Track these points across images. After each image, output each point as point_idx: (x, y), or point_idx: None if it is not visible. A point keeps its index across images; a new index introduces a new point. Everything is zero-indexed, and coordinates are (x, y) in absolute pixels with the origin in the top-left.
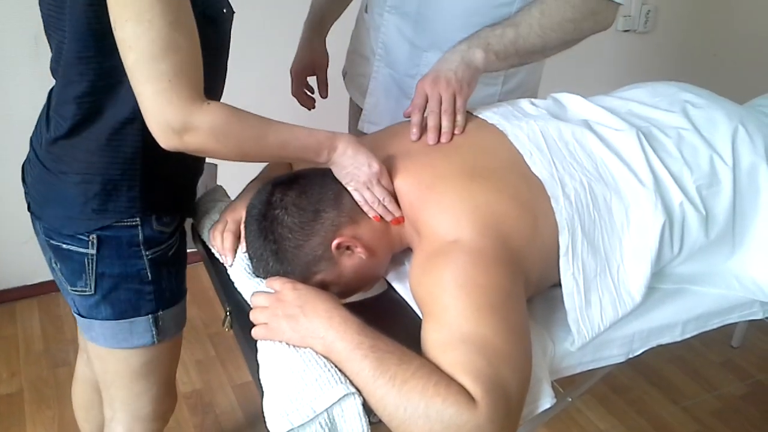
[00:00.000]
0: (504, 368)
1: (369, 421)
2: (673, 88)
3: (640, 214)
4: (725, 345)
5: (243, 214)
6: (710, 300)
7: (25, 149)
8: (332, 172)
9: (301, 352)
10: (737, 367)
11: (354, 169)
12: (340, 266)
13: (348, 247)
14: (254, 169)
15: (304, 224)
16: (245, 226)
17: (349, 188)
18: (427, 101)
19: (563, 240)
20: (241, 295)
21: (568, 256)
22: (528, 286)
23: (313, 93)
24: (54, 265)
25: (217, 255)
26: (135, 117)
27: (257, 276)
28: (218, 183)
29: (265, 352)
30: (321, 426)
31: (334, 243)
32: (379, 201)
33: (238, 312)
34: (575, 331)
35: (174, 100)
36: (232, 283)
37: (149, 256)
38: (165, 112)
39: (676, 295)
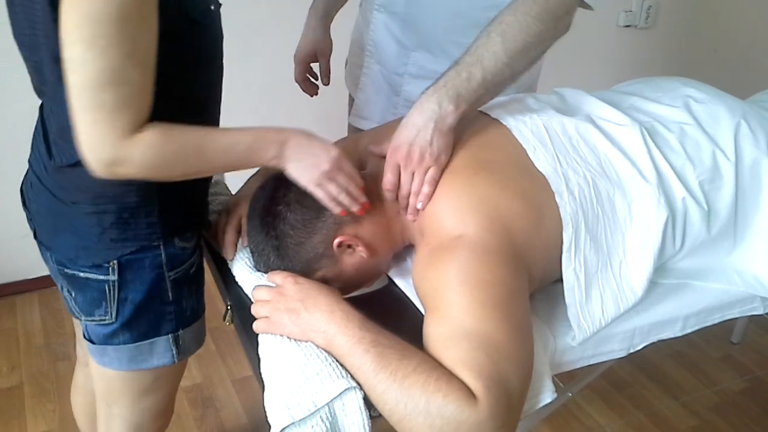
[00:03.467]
0: (506, 365)
1: (370, 415)
2: (676, 83)
3: (643, 209)
4: (725, 341)
5: (244, 208)
6: (711, 295)
7: (23, 146)
8: None
9: (302, 346)
10: (737, 362)
11: (313, 159)
12: (341, 264)
13: (349, 246)
14: None
15: (307, 222)
16: (248, 221)
17: (310, 188)
18: (399, 174)
19: (567, 236)
20: (242, 289)
21: (570, 252)
22: (531, 282)
23: (317, 80)
24: (68, 294)
25: (218, 249)
26: None
27: (258, 270)
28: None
29: (266, 345)
30: (322, 420)
31: (336, 241)
32: (345, 191)
33: (239, 306)
34: (576, 326)
35: (108, 134)
36: (233, 277)
37: (172, 277)
38: (97, 144)
39: (678, 291)
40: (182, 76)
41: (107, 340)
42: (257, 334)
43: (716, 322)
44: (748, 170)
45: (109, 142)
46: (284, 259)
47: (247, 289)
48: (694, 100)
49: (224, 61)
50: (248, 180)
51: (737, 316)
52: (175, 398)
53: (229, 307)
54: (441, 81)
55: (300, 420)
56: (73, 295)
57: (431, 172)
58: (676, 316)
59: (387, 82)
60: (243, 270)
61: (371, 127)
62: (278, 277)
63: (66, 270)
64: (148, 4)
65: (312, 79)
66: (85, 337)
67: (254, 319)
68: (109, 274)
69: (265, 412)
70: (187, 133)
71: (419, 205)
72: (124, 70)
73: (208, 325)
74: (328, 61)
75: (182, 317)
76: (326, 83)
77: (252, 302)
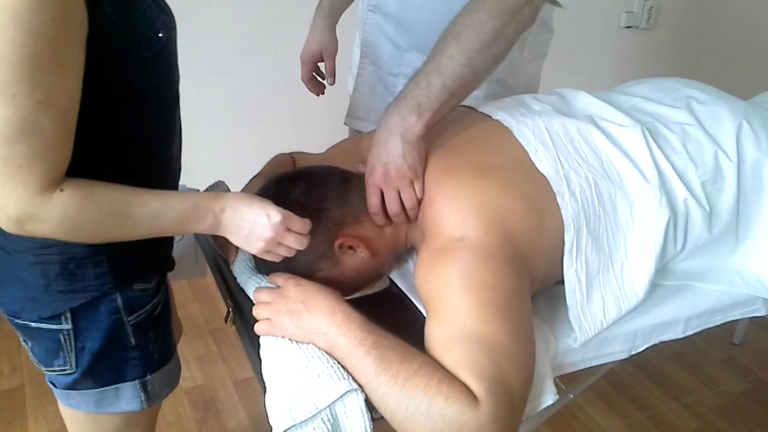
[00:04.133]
0: (507, 367)
1: (371, 417)
2: (677, 83)
3: (645, 210)
4: (727, 342)
5: None
6: (713, 297)
7: None
8: (338, 170)
9: (303, 348)
10: (738, 364)
11: (252, 226)
12: (343, 265)
13: (350, 247)
14: (257, 165)
15: None
16: None
17: (260, 256)
18: (383, 196)
19: (568, 237)
20: (243, 291)
21: (572, 253)
22: (533, 284)
23: (324, 79)
24: (25, 343)
25: (220, 251)
26: None
27: (260, 272)
28: (220, 179)
29: (267, 347)
30: (323, 422)
31: (337, 243)
32: (296, 250)
33: (241, 308)
34: (577, 327)
35: (19, 190)
36: (235, 279)
37: (132, 322)
38: (7, 199)
39: (679, 292)
40: (122, 114)
41: (71, 385)
42: (259, 336)
43: (718, 323)
44: (750, 171)
45: (20, 198)
46: (285, 260)
47: (249, 290)
48: (695, 101)
49: (221, 67)
50: (249, 182)
51: (739, 317)
52: (154, 427)
53: (230, 309)
54: (401, 94)
55: (301, 422)
56: (30, 345)
57: (416, 185)
58: (677, 317)
59: (382, 83)
60: (245, 272)
61: (366, 128)
62: (280, 279)
63: (17, 321)
64: (67, 49)
65: (318, 79)
66: (47, 380)
67: (256, 320)
68: (62, 323)
69: (266, 413)
70: (112, 196)
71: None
72: (37, 120)
73: (209, 327)
74: (334, 60)
75: (149, 361)
76: (331, 83)
77: (253, 304)
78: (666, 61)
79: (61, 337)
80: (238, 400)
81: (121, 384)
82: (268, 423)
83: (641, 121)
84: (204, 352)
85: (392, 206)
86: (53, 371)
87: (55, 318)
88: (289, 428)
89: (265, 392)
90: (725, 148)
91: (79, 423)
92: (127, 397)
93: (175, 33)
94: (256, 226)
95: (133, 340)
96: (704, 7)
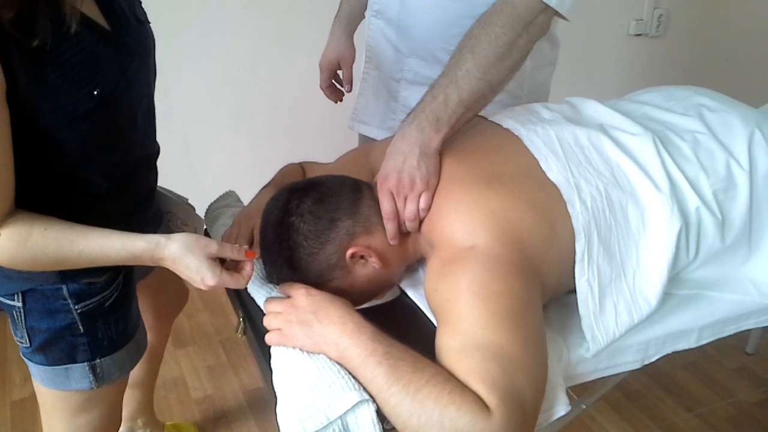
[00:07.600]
0: (519, 376)
1: (383, 428)
2: (688, 91)
3: (657, 219)
4: (740, 351)
5: (256, 219)
6: (726, 306)
7: None
8: (349, 180)
9: (314, 359)
10: (752, 373)
11: (190, 280)
12: (354, 275)
13: (362, 257)
14: (267, 175)
15: (320, 233)
16: (261, 232)
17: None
18: (395, 202)
19: (579, 246)
20: (254, 301)
21: (583, 263)
22: (544, 293)
23: (342, 86)
24: None
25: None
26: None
27: (270, 282)
28: (230, 189)
29: (278, 357)
30: None
31: (349, 252)
32: None
33: (252, 318)
34: (589, 337)
35: None
36: (245, 288)
37: (79, 310)
38: None
39: (692, 301)
40: (52, 157)
41: (28, 357)
42: (269, 346)
43: (731, 333)
44: (763, 179)
45: None
46: (297, 271)
47: (260, 300)
48: (707, 109)
49: (231, 78)
50: (260, 191)
51: (753, 327)
52: (117, 414)
53: (241, 319)
54: (419, 107)
55: None
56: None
57: (424, 197)
58: (690, 327)
59: (385, 88)
60: (255, 282)
61: (370, 132)
62: (290, 289)
63: None
64: None
65: (338, 86)
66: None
67: (266, 330)
68: (14, 301)
69: (277, 424)
70: (47, 244)
71: (412, 229)
72: None
73: (219, 336)
74: (351, 68)
75: (98, 348)
76: (348, 90)
77: (264, 314)
78: (676, 69)
79: (14, 313)
80: (249, 410)
81: (71, 365)
82: None
83: (652, 129)
84: (214, 362)
85: (401, 214)
86: (19, 341)
87: (9, 296)
88: None
89: (276, 403)
90: (737, 157)
91: (42, 397)
92: (76, 377)
93: (131, 75)
94: (193, 282)
95: (81, 328)
96: (714, 15)
